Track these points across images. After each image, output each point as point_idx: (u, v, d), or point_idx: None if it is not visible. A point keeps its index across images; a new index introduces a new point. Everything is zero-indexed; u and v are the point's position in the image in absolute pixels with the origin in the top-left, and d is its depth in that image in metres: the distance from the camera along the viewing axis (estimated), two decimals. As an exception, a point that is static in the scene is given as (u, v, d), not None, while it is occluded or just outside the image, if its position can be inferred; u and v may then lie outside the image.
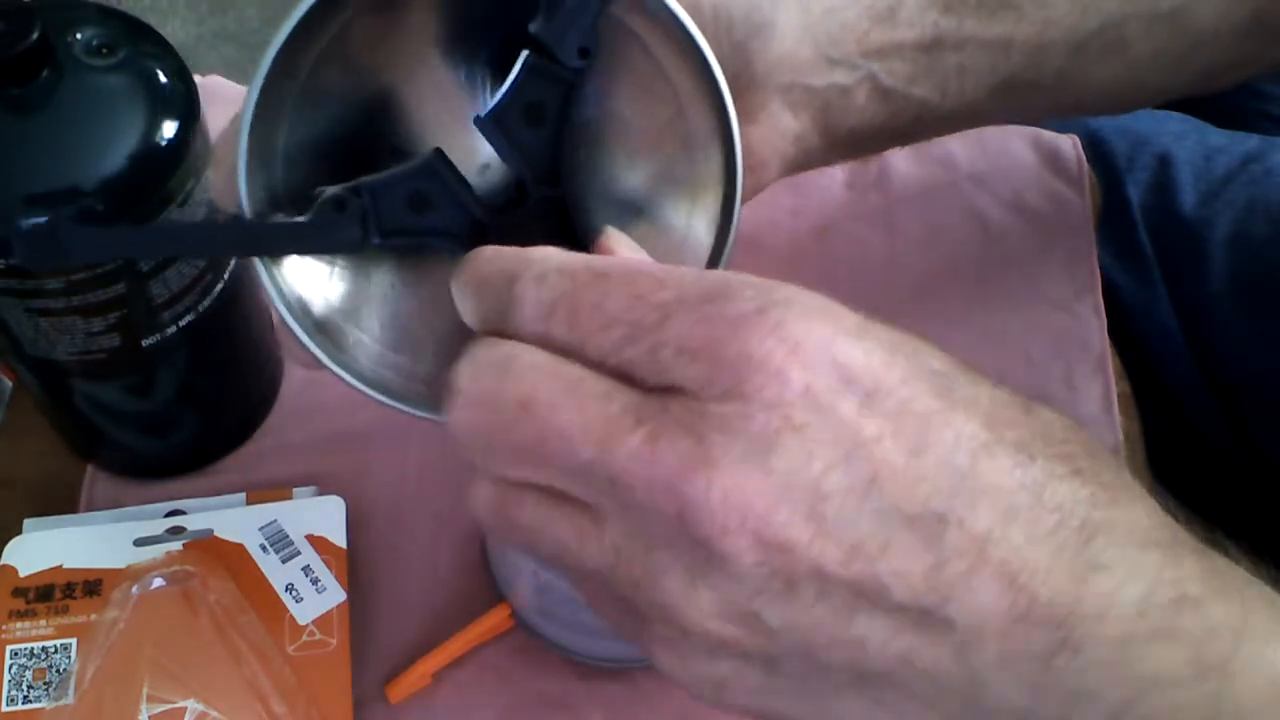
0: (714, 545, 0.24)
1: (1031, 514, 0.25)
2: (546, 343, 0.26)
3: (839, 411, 0.24)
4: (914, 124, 0.42)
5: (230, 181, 0.32)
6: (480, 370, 0.27)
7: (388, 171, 0.31)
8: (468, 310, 0.28)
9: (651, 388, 0.25)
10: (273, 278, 0.31)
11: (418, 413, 0.32)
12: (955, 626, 0.25)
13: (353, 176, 0.31)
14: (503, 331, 0.27)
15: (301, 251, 0.31)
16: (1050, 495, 0.25)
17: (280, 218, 0.31)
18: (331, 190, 0.30)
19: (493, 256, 0.28)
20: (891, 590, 0.24)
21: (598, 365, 0.26)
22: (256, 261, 0.31)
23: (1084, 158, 0.63)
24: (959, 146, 0.64)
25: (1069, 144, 0.63)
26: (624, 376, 0.25)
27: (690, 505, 0.24)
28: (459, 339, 0.29)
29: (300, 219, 0.31)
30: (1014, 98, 0.43)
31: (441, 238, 0.31)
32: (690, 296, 0.25)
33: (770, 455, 0.24)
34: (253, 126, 0.30)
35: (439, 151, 0.30)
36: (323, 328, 0.32)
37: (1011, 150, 0.64)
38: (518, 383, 0.26)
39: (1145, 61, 0.45)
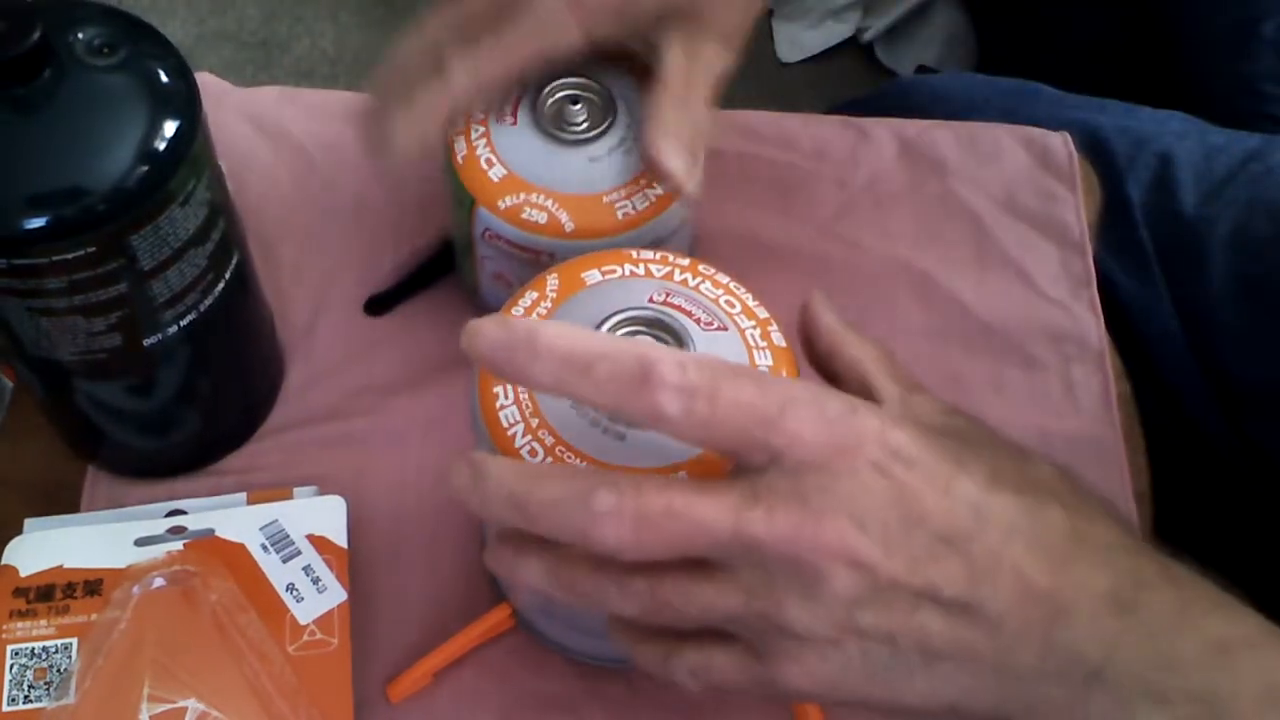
0: (821, 572, 0.34)
1: (1029, 531, 0.34)
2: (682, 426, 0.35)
3: (891, 472, 0.34)
4: None
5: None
6: (629, 490, 0.34)
7: None
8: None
9: (753, 465, 0.35)
10: None
11: None
12: (986, 611, 0.34)
13: None
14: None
15: None
16: (1040, 518, 0.35)
17: None
18: None
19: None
20: (942, 589, 0.34)
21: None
22: None
23: (1074, 154, 0.63)
24: (950, 147, 0.64)
25: (1059, 141, 0.63)
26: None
27: (805, 546, 0.34)
28: None
29: None
30: None
31: None
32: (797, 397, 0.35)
33: (851, 504, 0.34)
34: None
35: None
36: None
37: (1002, 149, 0.64)
38: (657, 495, 0.34)
39: None
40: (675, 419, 0.34)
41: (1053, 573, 0.34)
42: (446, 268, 0.57)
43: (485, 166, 0.49)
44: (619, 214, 0.48)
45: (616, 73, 0.50)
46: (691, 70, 0.47)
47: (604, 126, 0.49)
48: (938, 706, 0.36)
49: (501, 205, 0.48)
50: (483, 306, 0.55)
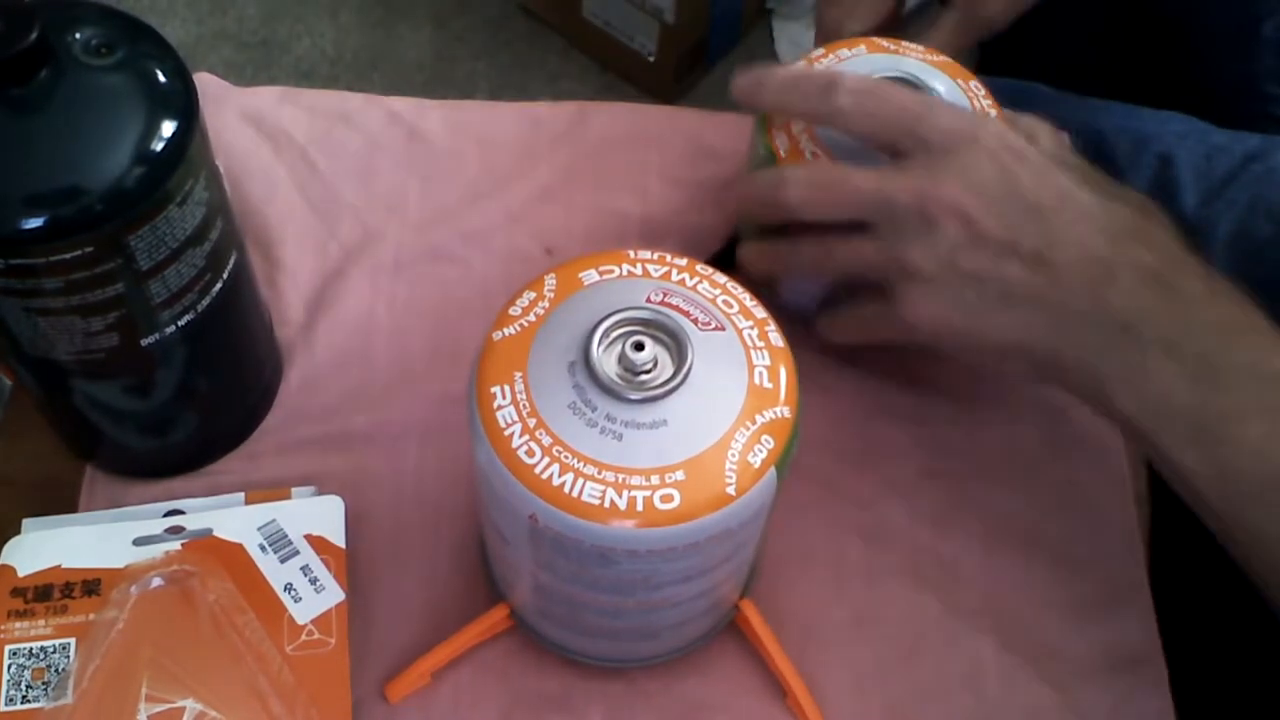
0: (935, 221, 0.46)
1: (1102, 217, 0.45)
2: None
3: (1001, 157, 0.46)
4: None
5: None
6: (806, 168, 0.50)
7: None
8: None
9: (899, 152, 0.47)
10: None
11: None
12: (1054, 265, 0.45)
13: None
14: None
15: None
16: (1112, 210, 0.46)
17: None
18: None
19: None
20: (1022, 243, 0.45)
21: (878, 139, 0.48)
22: None
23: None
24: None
25: None
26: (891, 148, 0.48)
27: (928, 201, 0.46)
28: None
29: None
30: None
31: None
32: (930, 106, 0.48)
33: (965, 175, 0.46)
34: None
35: None
36: None
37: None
38: (830, 169, 0.49)
39: None
40: (849, 112, 0.48)
41: (1111, 247, 0.45)
42: (728, 265, 0.56)
43: (809, 159, 0.51)
44: None
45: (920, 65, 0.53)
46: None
47: None
48: (1009, 343, 0.47)
49: None
50: (777, 300, 0.55)
